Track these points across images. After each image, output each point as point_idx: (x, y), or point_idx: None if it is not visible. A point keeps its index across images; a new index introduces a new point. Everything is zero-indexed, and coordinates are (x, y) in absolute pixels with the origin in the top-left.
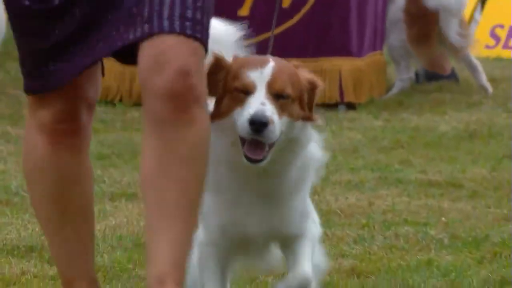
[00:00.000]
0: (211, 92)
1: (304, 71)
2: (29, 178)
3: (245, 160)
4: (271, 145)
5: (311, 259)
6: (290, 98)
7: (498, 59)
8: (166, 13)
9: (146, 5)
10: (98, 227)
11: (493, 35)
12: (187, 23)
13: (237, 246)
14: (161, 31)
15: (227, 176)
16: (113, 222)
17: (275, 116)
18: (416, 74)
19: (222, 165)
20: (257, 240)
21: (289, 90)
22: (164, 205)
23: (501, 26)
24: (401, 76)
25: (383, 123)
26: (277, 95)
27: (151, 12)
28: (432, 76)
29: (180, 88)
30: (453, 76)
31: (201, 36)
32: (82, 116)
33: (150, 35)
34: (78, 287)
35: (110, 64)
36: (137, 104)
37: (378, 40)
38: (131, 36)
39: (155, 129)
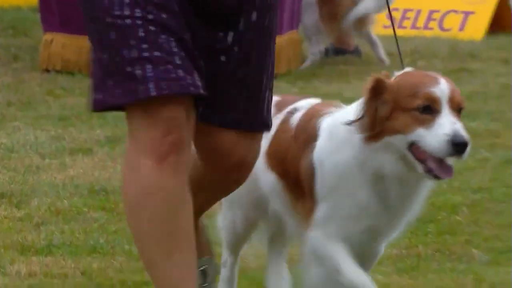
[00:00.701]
0: (370, 114)
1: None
2: (131, 206)
3: (427, 176)
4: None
5: None
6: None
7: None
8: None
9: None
10: (59, 177)
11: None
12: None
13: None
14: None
15: (389, 190)
16: (72, 173)
17: (467, 134)
18: (326, 49)
19: (385, 179)
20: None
21: (464, 104)
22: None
23: (396, 9)
24: (313, 51)
25: (298, 90)
26: (458, 110)
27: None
28: (339, 50)
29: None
30: (356, 51)
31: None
32: (187, 140)
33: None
34: None
35: (70, 39)
36: None
37: (295, 20)
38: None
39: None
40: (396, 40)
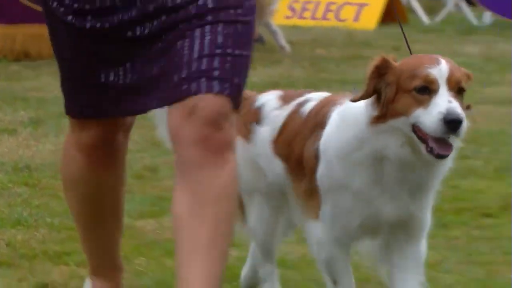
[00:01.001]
0: (376, 94)
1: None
2: (65, 185)
3: (429, 157)
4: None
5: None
6: (464, 91)
7: (295, 27)
8: (196, 75)
9: (184, 69)
10: None
11: (291, 8)
12: (214, 83)
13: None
14: (192, 93)
15: (387, 173)
16: None
17: (463, 112)
18: None
19: (384, 162)
20: (386, 228)
21: (464, 84)
22: (198, 242)
23: (297, 1)
24: None
25: None
26: (457, 90)
27: (187, 75)
28: None
29: (211, 134)
30: (260, 39)
31: (229, 92)
32: (118, 141)
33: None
34: (104, 273)
35: None
36: (17, 59)
37: None
38: (171, 99)
39: (188, 173)
40: (403, 32)
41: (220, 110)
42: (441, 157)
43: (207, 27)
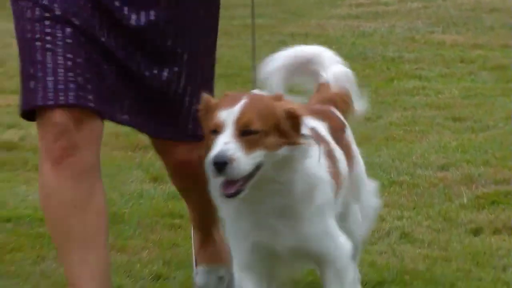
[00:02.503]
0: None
1: (284, 102)
2: (42, 208)
3: (223, 196)
4: (247, 178)
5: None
6: (261, 132)
7: None
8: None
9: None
10: None
11: None
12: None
13: (270, 266)
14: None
15: (243, 203)
16: None
17: (238, 154)
18: None
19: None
20: (287, 258)
21: (256, 126)
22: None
23: None
24: None
25: None
26: (244, 132)
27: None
28: None
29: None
30: None
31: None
32: (79, 132)
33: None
34: None
35: None
36: None
37: None
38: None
39: None
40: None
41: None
42: (227, 196)
43: None
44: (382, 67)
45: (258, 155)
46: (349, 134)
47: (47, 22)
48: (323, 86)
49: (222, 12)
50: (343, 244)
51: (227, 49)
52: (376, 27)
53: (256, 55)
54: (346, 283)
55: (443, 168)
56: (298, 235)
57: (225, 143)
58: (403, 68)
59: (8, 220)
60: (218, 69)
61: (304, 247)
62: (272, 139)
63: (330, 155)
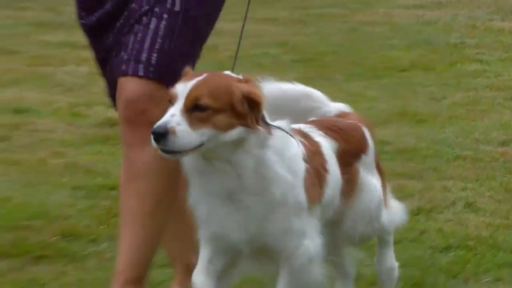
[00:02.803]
0: None
1: (247, 85)
2: None
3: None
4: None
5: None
6: (211, 110)
7: None
8: (126, 57)
9: (125, 50)
10: None
11: None
12: (140, 66)
13: (233, 260)
14: (123, 74)
15: (195, 184)
16: None
17: (181, 127)
18: None
19: (190, 175)
20: (245, 251)
21: (206, 101)
22: (125, 215)
23: None
24: None
25: None
26: (194, 107)
27: (126, 56)
28: None
29: (131, 114)
30: None
31: (153, 76)
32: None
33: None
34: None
35: None
36: None
37: None
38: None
39: (124, 150)
40: (238, 48)
41: (143, 90)
42: (163, 151)
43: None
44: (446, 52)
45: (205, 132)
46: (366, 162)
47: None
48: (344, 114)
49: (297, 3)
50: (306, 245)
51: (303, 36)
52: (440, 16)
53: (329, 41)
54: (301, 285)
55: (503, 144)
56: (251, 229)
57: (171, 115)
58: (465, 53)
59: (112, 188)
60: (295, 55)
61: (260, 242)
62: (223, 118)
63: (317, 164)
